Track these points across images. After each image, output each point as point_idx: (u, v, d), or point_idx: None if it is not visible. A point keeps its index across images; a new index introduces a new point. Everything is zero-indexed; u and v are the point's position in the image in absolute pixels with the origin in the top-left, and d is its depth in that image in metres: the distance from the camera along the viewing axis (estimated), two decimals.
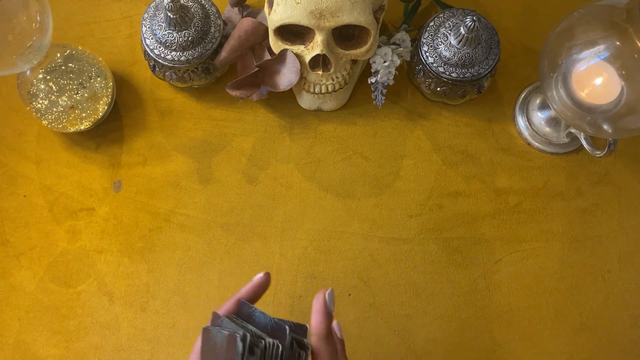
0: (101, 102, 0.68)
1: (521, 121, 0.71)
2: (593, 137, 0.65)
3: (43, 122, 0.67)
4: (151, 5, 0.66)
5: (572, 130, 0.67)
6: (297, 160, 0.70)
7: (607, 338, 0.66)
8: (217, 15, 0.67)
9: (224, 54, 0.67)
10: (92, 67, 0.68)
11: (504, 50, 0.71)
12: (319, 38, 0.62)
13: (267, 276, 0.50)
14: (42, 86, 0.66)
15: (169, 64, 0.66)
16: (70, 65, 0.67)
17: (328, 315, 0.46)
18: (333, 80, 0.66)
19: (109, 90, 0.69)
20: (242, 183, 0.69)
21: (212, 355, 0.45)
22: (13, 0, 0.56)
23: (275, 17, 0.61)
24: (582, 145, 0.66)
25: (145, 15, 0.66)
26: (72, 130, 0.67)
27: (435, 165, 0.70)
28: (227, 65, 0.71)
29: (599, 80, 0.60)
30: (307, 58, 0.64)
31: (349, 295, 0.67)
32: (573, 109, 0.61)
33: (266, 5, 0.63)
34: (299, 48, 0.64)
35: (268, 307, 0.66)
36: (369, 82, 0.68)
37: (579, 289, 0.67)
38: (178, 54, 0.65)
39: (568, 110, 0.61)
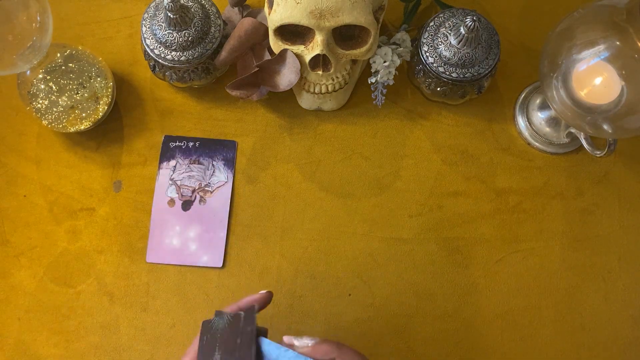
0: (101, 102, 0.68)
1: (521, 121, 0.71)
2: (593, 137, 0.65)
3: (43, 122, 0.67)
4: (151, 5, 0.66)
5: (572, 130, 0.67)
6: (297, 160, 0.70)
7: (607, 338, 0.66)
8: (217, 15, 0.67)
9: (224, 54, 0.67)
10: (92, 67, 0.68)
11: (504, 50, 0.71)
12: (319, 38, 0.62)
13: (270, 295, 0.53)
14: (42, 86, 0.66)
15: (169, 64, 0.66)
16: (70, 65, 0.67)
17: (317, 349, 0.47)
18: (333, 80, 0.66)
19: (109, 90, 0.69)
20: (242, 183, 0.69)
21: (212, 342, 0.46)
22: (13, 0, 0.56)
23: (275, 17, 0.61)
24: (582, 145, 0.66)
25: (145, 15, 0.66)
26: (72, 130, 0.67)
27: (435, 165, 0.70)
28: (227, 65, 0.71)
29: (599, 80, 0.60)
30: (307, 58, 0.64)
31: (349, 295, 0.67)
32: (573, 109, 0.61)
33: (266, 5, 0.63)
34: (299, 48, 0.64)
35: (268, 307, 0.66)
36: (369, 82, 0.68)
37: (579, 288, 0.67)
38: (178, 54, 0.65)
39: (568, 110, 0.61)
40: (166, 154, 0.69)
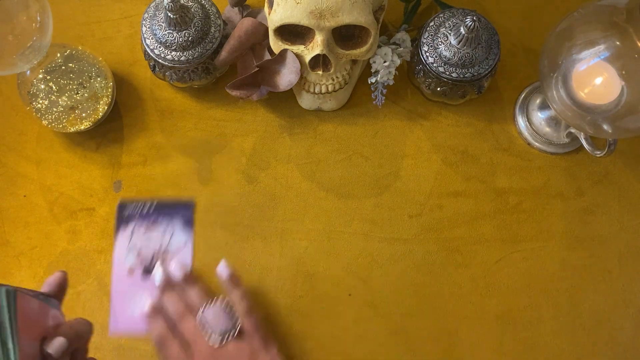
0: (101, 102, 0.68)
1: (521, 121, 0.71)
2: (593, 137, 0.65)
3: (43, 122, 0.67)
4: (151, 5, 0.66)
5: (572, 130, 0.67)
6: (297, 160, 0.70)
7: (607, 338, 0.66)
8: (217, 15, 0.67)
9: (224, 54, 0.67)
10: (92, 67, 0.68)
11: (504, 50, 0.71)
12: (319, 38, 0.62)
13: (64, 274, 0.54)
14: (42, 86, 0.66)
15: (169, 64, 0.66)
16: (70, 65, 0.67)
17: None
18: (333, 80, 0.66)
19: (109, 90, 0.69)
20: (242, 183, 0.70)
21: None
22: (13, 0, 0.56)
23: (275, 17, 0.61)
24: (582, 145, 0.66)
25: (145, 15, 0.66)
26: (72, 130, 0.67)
27: (435, 165, 0.70)
28: (227, 65, 0.71)
29: (599, 80, 0.60)
30: (307, 58, 0.64)
31: (349, 295, 0.67)
32: (573, 109, 0.61)
33: (266, 5, 0.64)
34: (299, 48, 0.64)
35: (267, 307, 0.66)
36: (369, 82, 0.68)
37: (579, 289, 0.67)
38: (178, 54, 0.65)
39: (568, 110, 0.61)
40: (121, 222, 0.67)
